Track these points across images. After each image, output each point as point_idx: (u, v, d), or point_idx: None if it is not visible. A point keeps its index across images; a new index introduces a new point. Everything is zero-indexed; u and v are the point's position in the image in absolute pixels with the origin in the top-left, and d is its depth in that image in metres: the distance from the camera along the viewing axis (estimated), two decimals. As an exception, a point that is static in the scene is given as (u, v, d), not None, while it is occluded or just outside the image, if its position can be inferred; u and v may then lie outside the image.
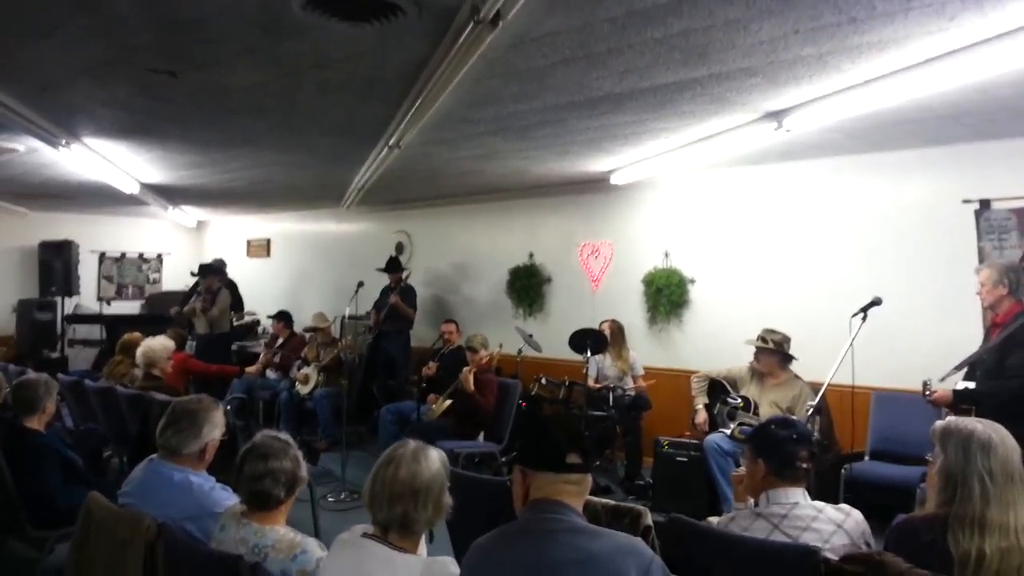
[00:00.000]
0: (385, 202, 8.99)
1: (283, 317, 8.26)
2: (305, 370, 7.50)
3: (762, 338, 5.08)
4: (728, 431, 4.97)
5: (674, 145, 5.23)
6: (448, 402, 5.88)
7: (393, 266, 7.89)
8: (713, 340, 6.24)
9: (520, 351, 6.66)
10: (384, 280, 7.98)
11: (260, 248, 11.07)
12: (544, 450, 2.07)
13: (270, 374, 8.00)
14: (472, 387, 5.65)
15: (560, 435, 2.09)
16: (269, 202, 9.29)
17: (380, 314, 7.70)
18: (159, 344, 5.36)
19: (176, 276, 10.67)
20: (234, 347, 8.95)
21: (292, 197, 8.72)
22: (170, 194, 8.24)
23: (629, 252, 6.89)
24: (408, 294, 7.71)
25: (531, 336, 6.76)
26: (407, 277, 7.73)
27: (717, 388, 5.33)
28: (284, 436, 2.49)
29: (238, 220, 11.34)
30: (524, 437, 2.19)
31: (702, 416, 5.26)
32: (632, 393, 6.08)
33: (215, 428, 2.85)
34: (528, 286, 7.51)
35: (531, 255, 7.64)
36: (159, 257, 11.24)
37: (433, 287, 8.63)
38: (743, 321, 5.94)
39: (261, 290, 10.48)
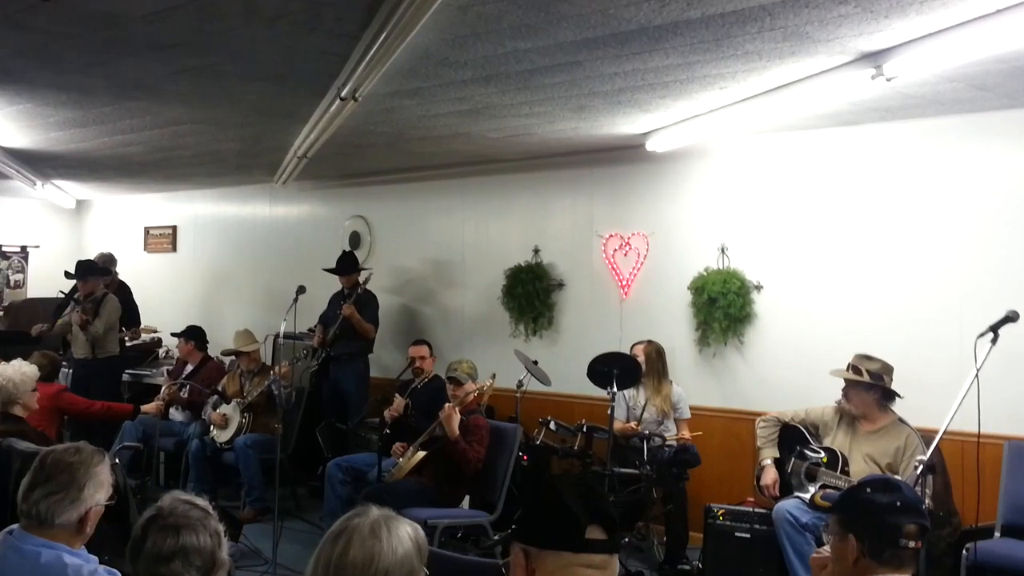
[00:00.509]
0: (336, 177, 8.99)
1: (193, 336, 8.27)
2: (223, 409, 7.49)
3: (854, 367, 5.07)
4: (807, 496, 4.95)
5: (733, 98, 5.22)
6: (421, 454, 5.87)
7: (346, 265, 7.89)
8: (786, 370, 6.24)
9: (521, 384, 6.64)
10: (334, 284, 7.97)
11: (163, 239, 11.09)
12: (555, 522, 2.05)
13: (175, 414, 7.99)
14: (456, 432, 5.64)
15: (577, 502, 2.07)
16: (176, 176, 9.29)
17: (328, 331, 7.69)
18: (18, 372, 5.33)
19: (47, 277, 10.68)
20: (125, 377, 8.94)
21: (208, 169, 8.71)
22: (39, 163, 8.23)
23: (672, 247, 6.88)
24: (367, 304, 7.71)
25: (536, 363, 6.74)
26: (366, 281, 7.73)
27: (791, 437, 5.32)
28: (201, 502, 2.48)
29: (133, 201, 11.34)
30: (528, 504, 2.18)
31: (771, 476, 5.25)
32: (675, 444, 6.06)
33: (99, 489, 2.82)
34: (532, 294, 7.51)
35: (536, 251, 7.64)
36: (23, 251, 11.25)
37: (401, 294, 8.62)
38: (828, 343, 5.91)
39: (164, 298, 10.48)
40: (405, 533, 2.14)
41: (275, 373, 7.03)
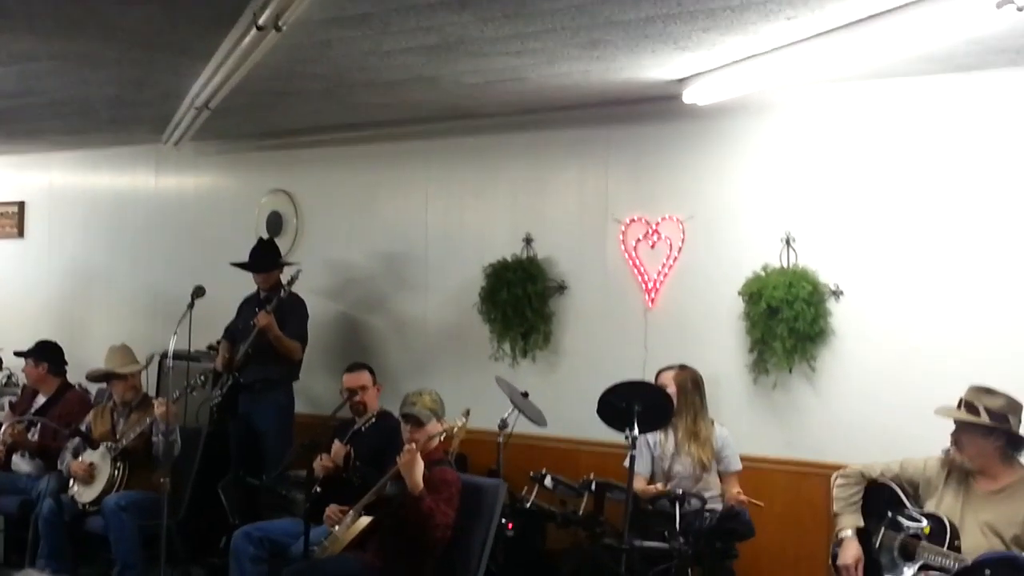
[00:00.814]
0: (249, 136, 8.99)
1: (46, 355, 8.25)
2: (88, 457, 7.45)
3: (968, 405, 5.07)
4: (902, 580, 4.97)
5: (805, 33, 5.23)
6: (366, 520, 5.84)
7: (263, 259, 7.90)
8: (874, 407, 6.25)
9: (504, 424, 6.62)
10: (245, 286, 7.96)
11: (5, 220, 11.05)
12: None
13: (19, 464, 7.93)
14: (420, 484, 5.62)
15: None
16: (24, 132, 9.25)
17: (238, 350, 7.67)
18: None
19: None
20: (-48, 410, 8.89)
21: (69, 123, 8.68)
22: None
23: (717, 238, 6.91)
24: (292, 312, 7.72)
25: (526, 395, 6.74)
26: (291, 281, 7.73)
27: (881, 500, 5.30)
28: None
29: (-36, 166, 11.27)
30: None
31: (852, 552, 5.22)
32: (719, 508, 6.07)
33: None
34: (522, 300, 7.52)
35: (528, 241, 7.66)
36: None
37: (338, 299, 8.63)
38: (933, 371, 5.93)
39: (5, 301, 10.42)
40: None
41: (160, 409, 7.02)
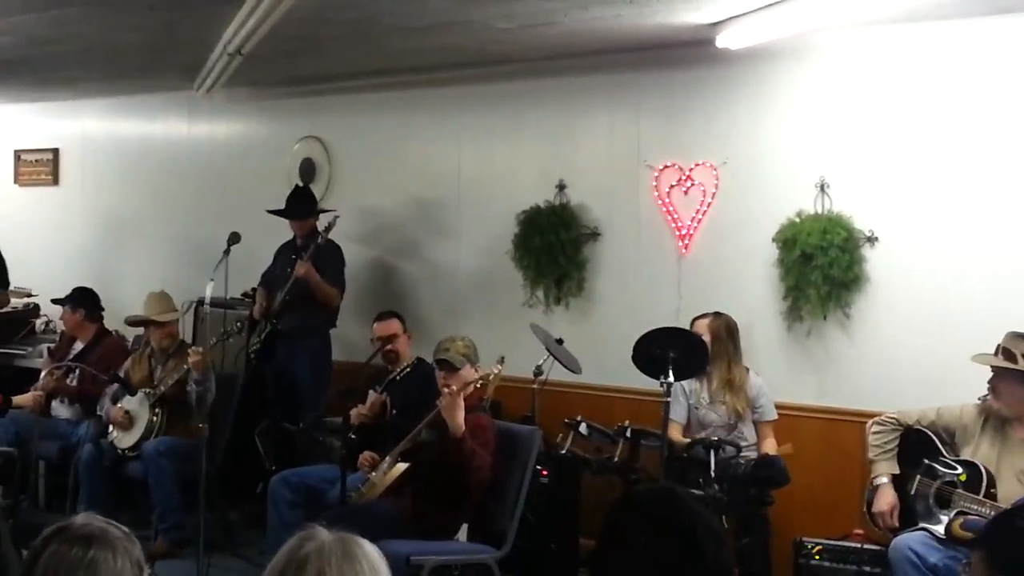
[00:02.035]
0: (281, 83, 8.96)
1: (83, 302, 8.28)
2: (127, 403, 7.51)
3: (1005, 351, 5.07)
4: (939, 527, 4.97)
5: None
6: (402, 467, 5.87)
7: (300, 205, 7.89)
8: (910, 354, 6.23)
9: (539, 371, 6.65)
10: (281, 233, 7.96)
11: (40, 168, 11.06)
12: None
13: (59, 409, 8.00)
14: (462, 427, 5.64)
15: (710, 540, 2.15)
16: (57, 79, 9.24)
17: (275, 297, 7.69)
18: None
19: None
20: (-10, 357, 8.96)
21: (102, 70, 8.68)
22: None
23: (751, 183, 6.87)
24: (329, 259, 7.72)
25: (560, 342, 6.76)
26: (328, 228, 7.74)
27: (917, 447, 5.33)
28: (123, 528, 2.52)
29: (-2, 114, 11.30)
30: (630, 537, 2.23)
31: (888, 499, 5.26)
32: (754, 455, 6.07)
33: None
34: (555, 247, 7.52)
35: (561, 188, 7.63)
36: None
37: (371, 246, 8.61)
38: (969, 317, 5.90)
39: (42, 249, 10.47)
40: (374, 563, 2.33)
41: (197, 356, 7.05)
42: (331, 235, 7.78)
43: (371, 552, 2.33)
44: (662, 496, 2.47)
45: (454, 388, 5.71)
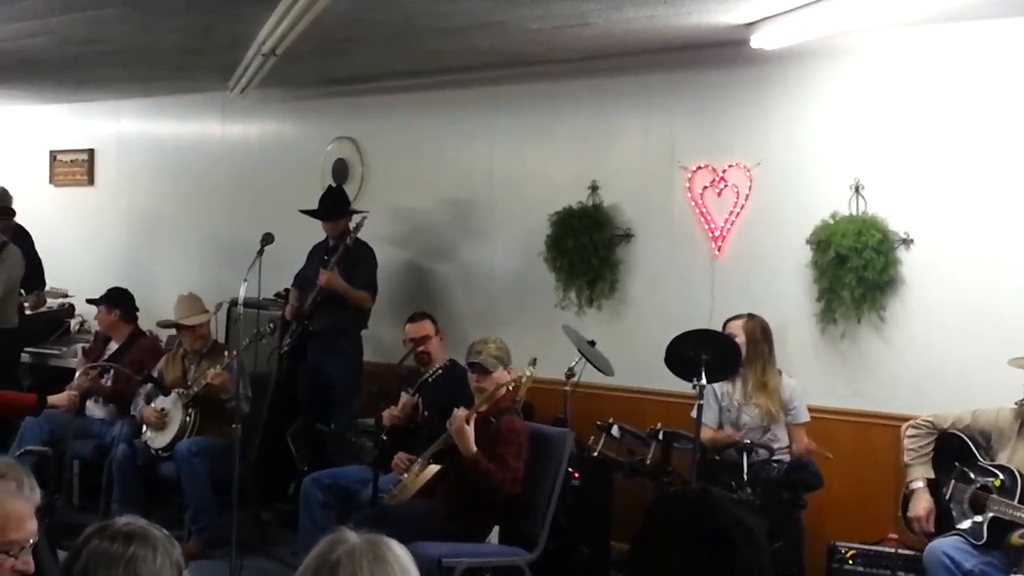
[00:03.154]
0: (315, 83, 8.98)
1: (118, 302, 8.31)
2: (160, 403, 7.55)
3: (1043, 354, 5.03)
4: (977, 534, 4.93)
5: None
6: (434, 469, 5.89)
7: (333, 206, 7.89)
8: (945, 357, 6.19)
9: (572, 373, 6.65)
10: (313, 233, 7.98)
11: (75, 168, 11.13)
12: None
13: (93, 409, 8.06)
14: (473, 448, 5.66)
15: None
16: (93, 80, 9.30)
17: (307, 298, 7.70)
18: None
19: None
20: (25, 356, 8.99)
21: (137, 71, 8.72)
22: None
23: (785, 185, 6.84)
24: (360, 261, 7.72)
25: (593, 344, 6.74)
26: (357, 228, 7.75)
27: (952, 451, 5.31)
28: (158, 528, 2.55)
29: (34, 114, 11.37)
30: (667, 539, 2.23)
31: (923, 504, 5.24)
32: (787, 459, 6.05)
33: (3, 522, 2.83)
34: (588, 248, 7.50)
35: (594, 188, 7.62)
36: None
37: (404, 246, 8.62)
38: (1006, 320, 5.87)
39: (77, 249, 10.53)
40: (407, 560, 2.36)
41: (229, 357, 7.09)
42: (364, 236, 7.80)
43: (401, 554, 2.35)
44: (698, 498, 2.46)
45: (461, 411, 5.74)
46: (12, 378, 8.18)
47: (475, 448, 5.65)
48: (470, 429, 5.68)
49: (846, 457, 6.37)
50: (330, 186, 8.33)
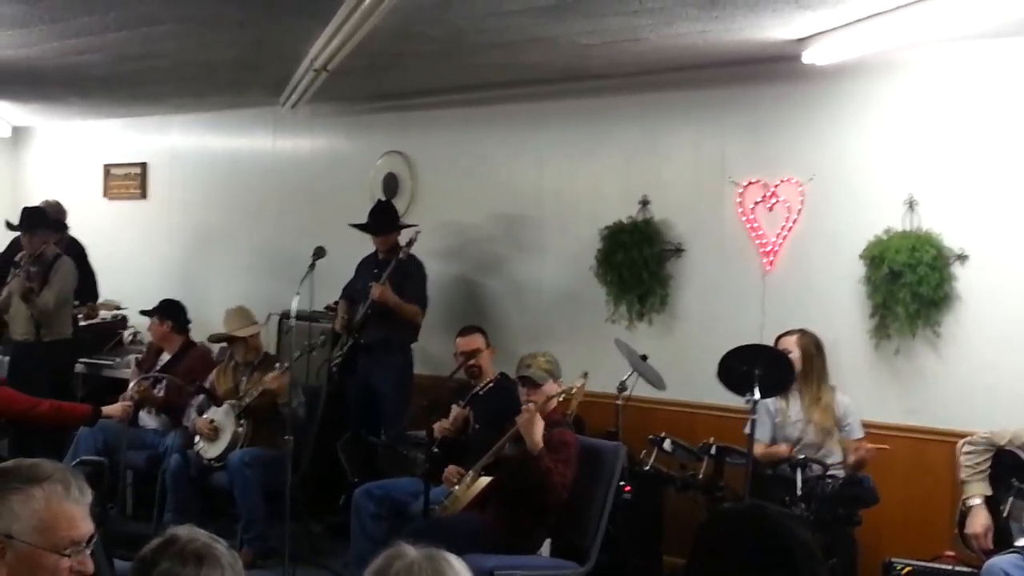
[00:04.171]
0: (366, 98, 9.02)
1: (170, 314, 8.37)
2: (212, 414, 7.59)
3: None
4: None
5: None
6: (485, 480, 5.90)
7: (383, 220, 7.90)
8: (1002, 372, 6.15)
9: (623, 387, 6.64)
10: (362, 246, 8.01)
11: (128, 182, 11.24)
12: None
13: (146, 420, 8.11)
14: (539, 443, 5.65)
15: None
16: (147, 95, 9.39)
17: (356, 311, 7.73)
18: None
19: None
20: (79, 367, 9.07)
21: (191, 86, 8.79)
22: (-34, 78, 8.39)
23: (838, 200, 6.81)
24: (411, 275, 7.72)
25: (644, 358, 6.73)
26: (410, 243, 7.75)
27: (1010, 467, 5.28)
28: (222, 541, 2.57)
29: (88, 129, 11.50)
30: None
31: (981, 520, 5.21)
32: (841, 474, 6.00)
33: (27, 521, 2.84)
34: (638, 262, 7.48)
35: (644, 203, 7.60)
36: (-58, 196, 11.44)
37: (454, 261, 8.62)
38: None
39: (130, 261, 10.63)
40: (466, 574, 2.38)
41: (279, 371, 7.12)
42: (413, 249, 7.79)
43: (460, 568, 2.36)
44: (756, 514, 2.44)
45: (532, 406, 5.73)
46: (67, 389, 8.25)
47: (541, 443, 5.65)
48: (540, 423, 5.67)
49: (902, 473, 6.33)
50: (379, 200, 8.35)
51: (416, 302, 7.72)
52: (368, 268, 7.92)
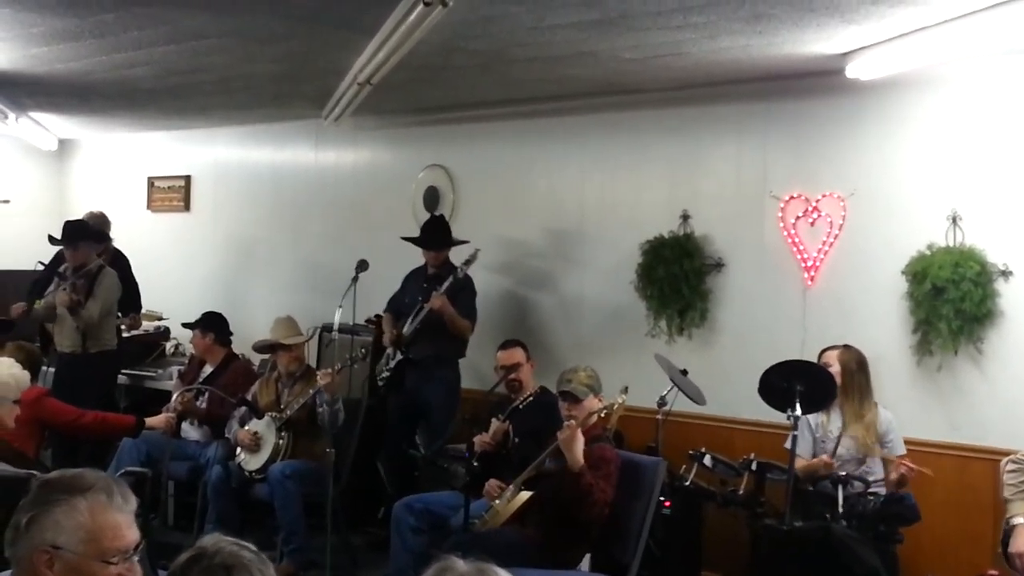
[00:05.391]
0: (407, 111, 9.07)
1: (213, 326, 8.44)
2: (254, 426, 7.64)
3: None
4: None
5: (977, 4, 5.09)
6: (526, 495, 5.90)
7: (437, 235, 7.90)
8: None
9: (663, 401, 6.63)
10: (401, 259, 8.06)
11: (172, 194, 11.35)
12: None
13: (188, 431, 8.17)
14: (580, 460, 5.64)
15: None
16: (192, 108, 9.48)
17: (403, 324, 7.76)
18: (7, 372, 5.49)
19: (19, 241, 10.88)
20: (121, 379, 9.14)
21: (235, 99, 8.87)
22: (13, 90, 8.48)
23: (880, 215, 6.78)
24: (464, 288, 7.73)
25: (685, 373, 6.71)
26: (470, 262, 7.72)
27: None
28: (252, 547, 2.58)
29: (133, 141, 11.63)
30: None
31: (1024, 540, 5.15)
32: (883, 491, 5.98)
33: (52, 529, 2.82)
34: (679, 277, 7.48)
35: (685, 218, 7.61)
36: (-11, 207, 11.56)
37: (492, 273, 8.65)
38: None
39: (173, 273, 10.73)
40: None
41: (324, 380, 7.14)
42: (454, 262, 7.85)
43: None
44: (819, 535, 2.43)
45: (573, 422, 5.72)
46: (110, 400, 8.33)
47: (582, 460, 5.63)
48: (581, 440, 5.66)
49: (944, 491, 6.29)
50: (432, 215, 8.38)
51: (467, 317, 7.75)
52: (417, 282, 7.95)
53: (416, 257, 8.08)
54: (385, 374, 7.90)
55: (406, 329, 7.75)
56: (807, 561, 2.21)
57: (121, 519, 2.92)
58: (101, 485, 2.97)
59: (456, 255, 7.97)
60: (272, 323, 7.95)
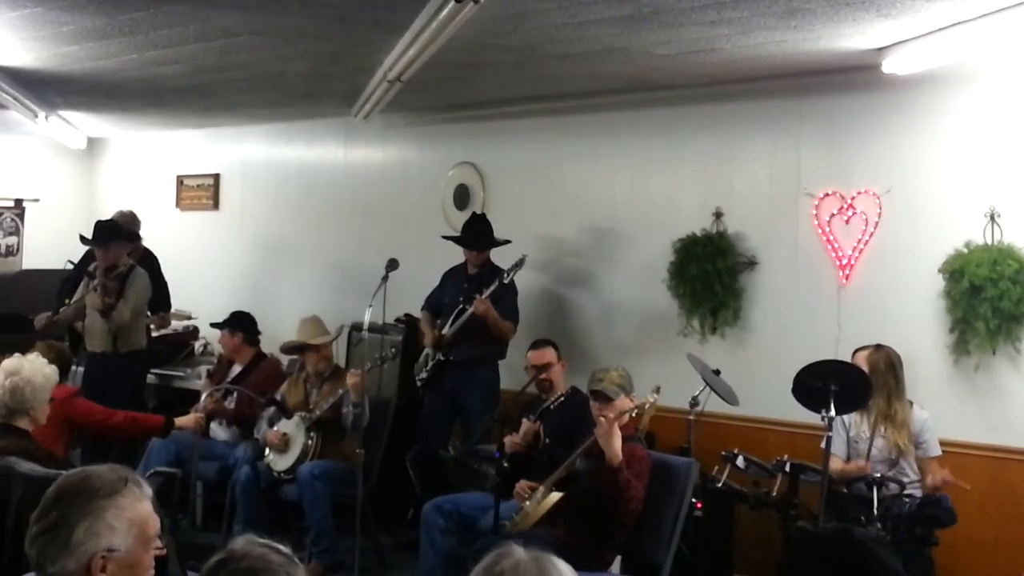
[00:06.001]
0: (437, 109, 9.09)
1: (241, 326, 8.48)
2: (283, 426, 7.66)
3: None
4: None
5: (1018, -1, 5.07)
6: (556, 496, 5.89)
7: (482, 235, 7.90)
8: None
9: (696, 402, 6.62)
10: (431, 258, 8.06)
11: (202, 193, 11.40)
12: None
13: (217, 431, 8.21)
14: (619, 456, 5.62)
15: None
16: (221, 106, 9.51)
17: (442, 325, 7.77)
18: (39, 372, 5.51)
19: (50, 241, 11.02)
20: (151, 378, 9.19)
21: (265, 97, 8.90)
22: (44, 89, 8.51)
23: (916, 213, 6.75)
24: (507, 290, 7.70)
25: (717, 373, 6.70)
26: (518, 266, 7.63)
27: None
28: (283, 548, 2.61)
29: (162, 140, 11.70)
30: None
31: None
32: (918, 493, 5.95)
33: (106, 533, 2.87)
34: (712, 275, 7.47)
35: (718, 215, 7.60)
36: (17, 206, 11.64)
37: (521, 272, 8.59)
38: None
39: (202, 272, 10.78)
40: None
41: (354, 381, 7.16)
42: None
43: (567, 572, 2.46)
44: (841, 538, 2.43)
45: (611, 416, 5.70)
46: (139, 400, 8.38)
47: (620, 455, 5.61)
48: (618, 435, 5.63)
49: (981, 493, 6.25)
50: (474, 214, 8.38)
51: (509, 318, 7.74)
52: (457, 281, 7.97)
53: (447, 255, 8.11)
54: (424, 375, 7.90)
55: (447, 331, 7.75)
56: (835, 563, 2.21)
57: (150, 505, 3.00)
58: (130, 478, 3.03)
59: (496, 253, 7.98)
60: (299, 323, 7.99)
